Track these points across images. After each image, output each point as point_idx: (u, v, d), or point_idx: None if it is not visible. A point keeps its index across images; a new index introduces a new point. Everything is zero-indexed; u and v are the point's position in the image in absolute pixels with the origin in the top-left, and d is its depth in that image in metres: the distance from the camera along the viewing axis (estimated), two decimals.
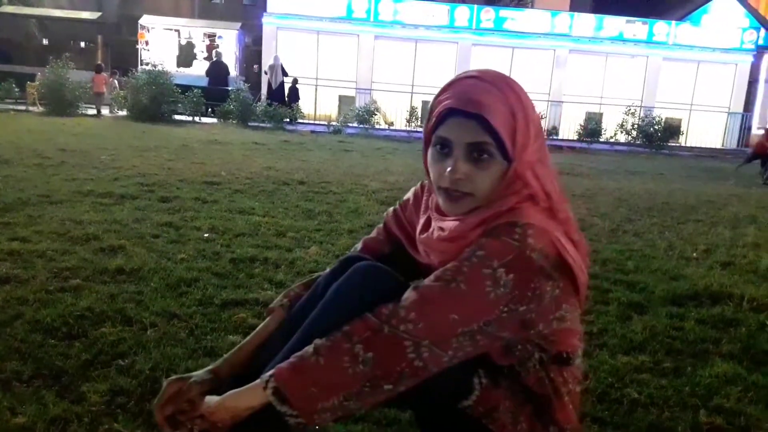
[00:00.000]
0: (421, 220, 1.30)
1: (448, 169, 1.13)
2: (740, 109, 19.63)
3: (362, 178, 6.46)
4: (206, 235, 3.59)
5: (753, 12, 19.72)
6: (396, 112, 17.54)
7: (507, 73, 1.23)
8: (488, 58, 18.40)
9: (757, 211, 5.93)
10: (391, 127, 17.07)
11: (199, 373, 1.24)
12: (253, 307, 2.45)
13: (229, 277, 2.82)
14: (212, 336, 2.14)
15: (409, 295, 1.09)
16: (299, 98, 16.87)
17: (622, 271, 3.35)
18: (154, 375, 1.83)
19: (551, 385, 1.17)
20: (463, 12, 18.61)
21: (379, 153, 10.18)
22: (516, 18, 18.81)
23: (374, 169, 7.39)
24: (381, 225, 1.46)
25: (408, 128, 16.67)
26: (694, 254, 3.88)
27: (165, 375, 1.83)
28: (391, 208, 1.46)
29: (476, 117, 1.10)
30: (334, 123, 15.55)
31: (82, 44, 20.96)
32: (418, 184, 1.38)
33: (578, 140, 16.28)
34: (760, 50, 19.49)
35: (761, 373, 2.13)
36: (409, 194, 1.41)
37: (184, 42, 20.18)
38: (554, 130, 17.27)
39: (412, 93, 18.28)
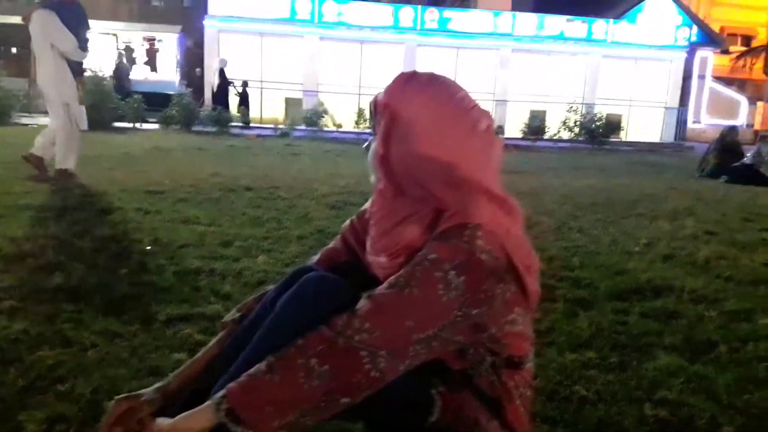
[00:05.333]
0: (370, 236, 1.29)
1: None
2: (676, 104, 20.47)
3: (312, 182, 6.39)
4: (149, 247, 3.47)
5: (685, 9, 20.57)
6: (344, 113, 17.50)
7: (452, 74, 1.27)
8: (433, 58, 18.58)
9: (695, 203, 6.16)
10: (340, 129, 17.03)
11: (148, 392, 1.21)
12: (199, 321, 2.37)
13: (173, 291, 2.73)
14: (156, 354, 2.07)
15: (363, 303, 1.07)
16: (248, 102, 16.77)
17: (567, 267, 3.42)
18: (95, 399, 1.75)
19: (503, 389, 1.18)
20: (407, 12, 18.72)
21: (328, 155, 10.11)
22: (460, 18, 19.02)
23: (324, 173, 7.33)
24: (340, 235, 1.45)
25: (356, 129, 16.64)
26: (637, 248, 3.99)
27: (107, 398, 1.75)
28: (349, 219, 1.45)
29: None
30: (281, 126, 15.39)
31: (14, 50, 20.11)
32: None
33: (523, 138, 16.60)
34: (693, 47, 20.33)
35: (701, 363, 2.20)
36: (367, 204, 1.40)
37: (122, 46, 19.60)
38: (500, 129, 17.58)
39: (359, 94, 18.26)
